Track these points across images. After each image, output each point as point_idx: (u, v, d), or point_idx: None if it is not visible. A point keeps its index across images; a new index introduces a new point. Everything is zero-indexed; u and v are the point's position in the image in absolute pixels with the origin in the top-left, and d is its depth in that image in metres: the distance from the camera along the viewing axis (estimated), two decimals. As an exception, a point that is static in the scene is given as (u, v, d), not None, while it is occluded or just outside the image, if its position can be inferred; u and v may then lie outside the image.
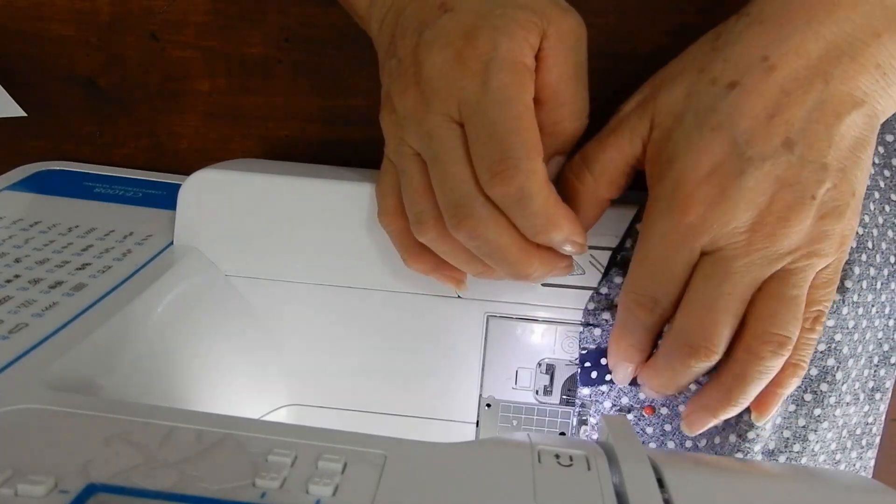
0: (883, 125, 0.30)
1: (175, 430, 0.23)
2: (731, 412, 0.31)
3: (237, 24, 0.42)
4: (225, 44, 0.43)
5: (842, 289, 0.33)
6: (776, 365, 0.29)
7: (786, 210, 0.28)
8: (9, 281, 0.31)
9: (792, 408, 0.34)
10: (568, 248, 0.30)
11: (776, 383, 0.30)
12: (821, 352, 0.33)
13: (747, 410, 0.32)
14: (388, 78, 0.31)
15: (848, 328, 0.33)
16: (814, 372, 0.33)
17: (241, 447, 0.22)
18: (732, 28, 0.30)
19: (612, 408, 0.35)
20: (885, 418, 0.37)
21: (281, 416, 0.40)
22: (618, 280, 0.34)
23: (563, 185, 0.32)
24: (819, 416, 0.34)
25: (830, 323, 0.33)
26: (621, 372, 0.33)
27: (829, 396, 0.34)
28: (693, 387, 0.34)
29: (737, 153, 0.28)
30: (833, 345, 0.33)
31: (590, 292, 0.35)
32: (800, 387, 0.34)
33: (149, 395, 0.31)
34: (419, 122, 0.29)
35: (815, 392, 0.34)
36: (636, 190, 0.36)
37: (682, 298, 0.30)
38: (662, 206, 0.29)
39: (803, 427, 0.34)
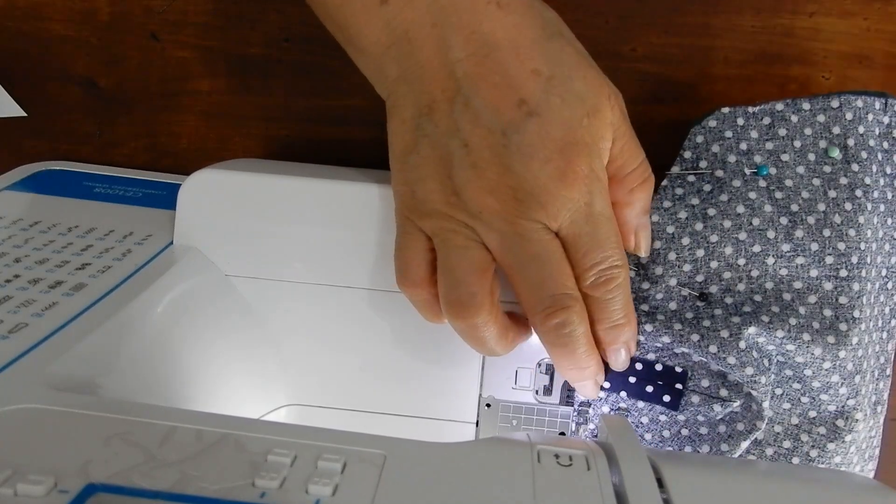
0: None
1: (175, 430, 0.23)
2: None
3: (237, 24, 0.42)
4: (225, 44, 0.43)
5: (843, 306, 0.33)
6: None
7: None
8: (9, 281, 0.31)
9: (795, 420, 0.34)
10: (623, 353, 0.33)
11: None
12: (825, 369, 0.33)
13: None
14: (442, 155, 0.30)
15: (852, 344, 0.33)
16: (825, 398, 0.34)
17: (240, 447, 0.22)
18: None
19: (610, 412, 0.36)
20: (885, 419, 0.37)
21: (281, 416, 0.40)
22: None
23: None
24: (833, 449, 0.34)
25: (832, 340, 0.33)
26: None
27: (845, 434, 0.34)
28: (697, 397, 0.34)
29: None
30: (838, 362, 0.33)
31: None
32: (808, 405, 0.34)
33: (149, 395, 0.31)
34: (508, 223, 0.30)
35: (825, 421, 0.34)
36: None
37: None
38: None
39: (813, 460, 0.34)
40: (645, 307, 0.35)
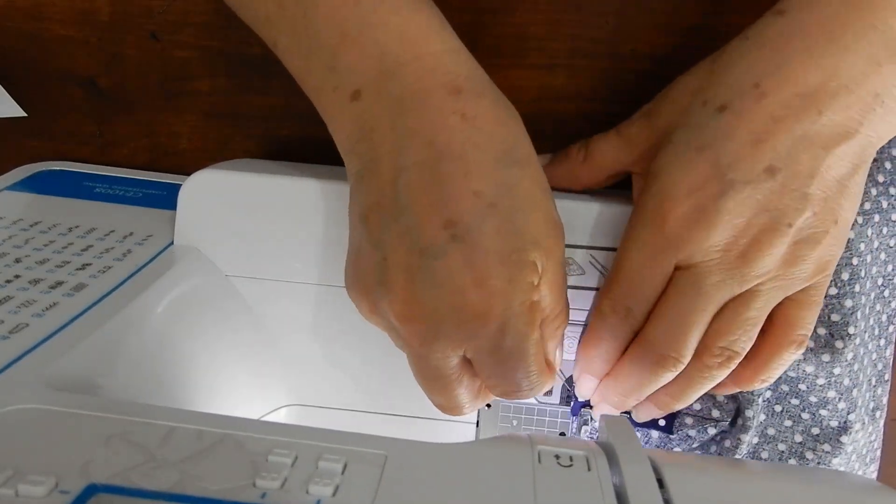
0: (891, 140, 0.30)
1: (175, 430, 0.23)
2: (675, 407, 0.32)
3: (237, 24, 0.42)
4: (225, 44, 0.43)
5: (836, 324, 0.33)
6: (722, 374, 0.30)
7: (760, 234, 0.28)
8: (9, 281, 0.31)
9: (798, 438, 0.34)
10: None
11: (739, 385, 0.32)
12: (820, 385, 0.33)
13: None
14: (370, 263, 0.29)
15: (847, 360, 0.33)
16: (824, 413, 0.34)
17: (241, 447, 0.22)
18: (731, 51, 0.30)
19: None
20: (886, 420, 0.37)
21: (281, 416, 0.40)
22: None
23: (561, 155, 0.35)
24: (828, 450, 0.34)
25: (826, 358, 0.33)
26: (586, 384, 0.34)
27: (840, 434, 0.34)
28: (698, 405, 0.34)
29: (718, 175, 0.28)
30: (833, 378, 0.33)
31: (589, 292, 0.35)
32: (809, 422, 0.34)
33: (149, 395, 0.31)
34: (414, 344, 0.29)
35: (823, 429, 0.34)
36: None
37: (655, 309, 0.30)
38: (643, 218, 0.30)
39: (815, 462, 0.34)
40: None
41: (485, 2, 0.39)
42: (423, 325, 0.28)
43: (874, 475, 0.37)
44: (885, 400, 0.36)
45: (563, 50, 0.40)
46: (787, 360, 0.31)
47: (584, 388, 0.34)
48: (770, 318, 0.30)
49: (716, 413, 0.34)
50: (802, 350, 0.30)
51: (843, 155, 0.28)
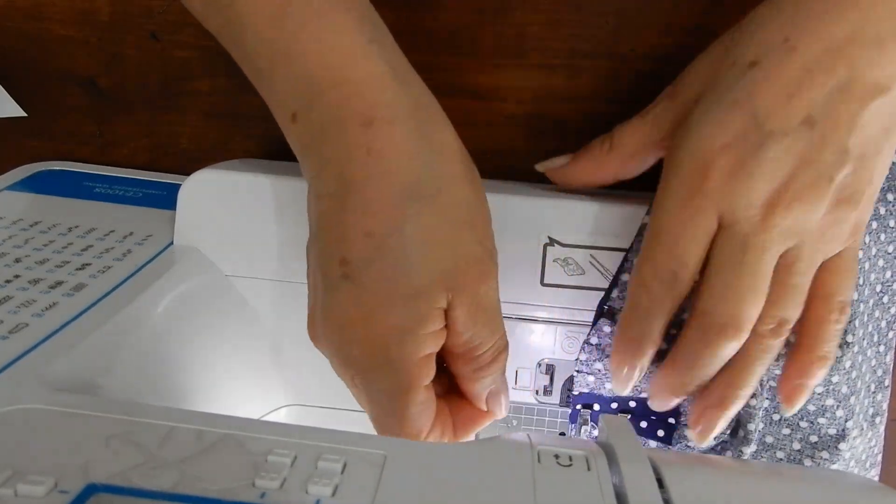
0: None
1: (175, 430, 0.23)
2: (739, 399, 0.31)
3: (237, 24, 0.42)
4: (225, 44, 0.43)
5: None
6: (776, 345, 0.30)
7: (802, 188, 0.27)
8: (9, 281, 0.31)
9: (797, 446, 0.34)
10: None
11: (802, 374, 0.31)
12: (818, 393, 0.33)
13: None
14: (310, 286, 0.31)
15: (845, 368, 0.33)
16: (823, 421, 0.34)
17: (241, 447, 0.22)
18: (755, 13, 0.30)
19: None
20: (885, 425, 0.37)
21: (281, 416, 0.40)
22: (607, 329, 0.34)
23: (582, 151, 0.34)
24: (826, 458, 0.34)
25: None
26: (623, 374, 0.32)
27: (839, 441, 0.34)
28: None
29: (756, 126, 0.28)
30: (831, 387, 0.33)
31: (589, 292, 0.35)
32: (807, 430, 0.34)
33: (149, 395, 0.31)
34: (335, 366, 0.30)
35: (822, 437, 0.34)
36: (633, 190, 0.36)
37: (704, 280, 0.29)
38: (680, 176, 0.29)
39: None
40: None
41: (485, 2, 0.39)
42: (325, 351, 0.30)
43: (875, 479, 0.37)
44: (885, 406, 0.36)
45: (563, 50, 0.40)
46: (834, 331, 0.30)
47: (623, 377, 0.32)
48: (808, 292, 0.30)
49: None
50: (846, 317, 0.30)
51: (877, 111, 0.27)
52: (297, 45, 0.28)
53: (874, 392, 0.36)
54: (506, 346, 0.31)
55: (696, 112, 0.30)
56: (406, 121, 0.28)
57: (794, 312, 0.29)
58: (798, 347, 0.31)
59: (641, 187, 0.38)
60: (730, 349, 0.29)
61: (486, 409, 0.32)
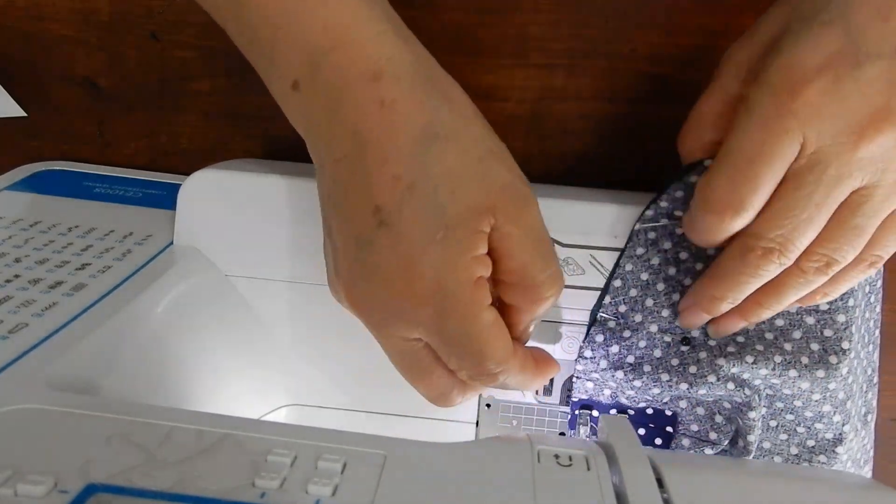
0: None
1: (175, 430, 0.23)
2: (762, 315, 0.31)
3: (237, 24, 0.42)
4: (225, 44, 0.42)
5: (829, 339, 0.33)
6: (817, 281, 0.29)
7: (893, 119, 0.26)
8: (9, 281, 0.31)
9: (794, 450, 0.34)
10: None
11: (779, 296, 0.30)
12: (815, 400, 0.33)
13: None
14: (328, 256, 0.30)
15: (842, 374, 0.33)
16: (820, 426, 0.34)
17: (240, 447, 0.22)
18: None
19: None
20: (882, 419, 0.37)
21: (281, 416, 0.40)
22: (599, 339, 0.35)
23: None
24: (823, 462, 0.34)
25: (821, 374, 0.33)
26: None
27: (836, 445, 0.34)
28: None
29: (852, 46, 0.26)
30: (828, 393, 0.33)
31: (589, 292, 0.35)
32: (804, 435, 0.34)
33: (149, 395, 0.31)
34: (372, 328, 0.29)
35: (819, 441, 0.34)
36: (623, 190, 0.36)
37: (767, 202, 0.28)
38: (766, 92, 0.28)
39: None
40: (630, 359, 0.35)
41: (485, 2, 0.39)
42: (369, 315, 0.28)
43: (868, 475, 0.37)
44: (874, 403, 0.36)
45: (563, 50, 0.40)
46: (855, 279, 0.30)
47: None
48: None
49: (713, 435, 0.34)
50: (874, 271, 0.30)
51: None
52: (300, 11, 0.28)
53: (866, 392, 0.36)
54: (561, 276, 0.30)
55: (785, 38, 0.28)
56: (413, 74, 0.28)
57: (846, 255, 0.28)
58: (793, 270, 0.29)
59: (642, 188, 0.38)
60: (770, 273, 0.29)
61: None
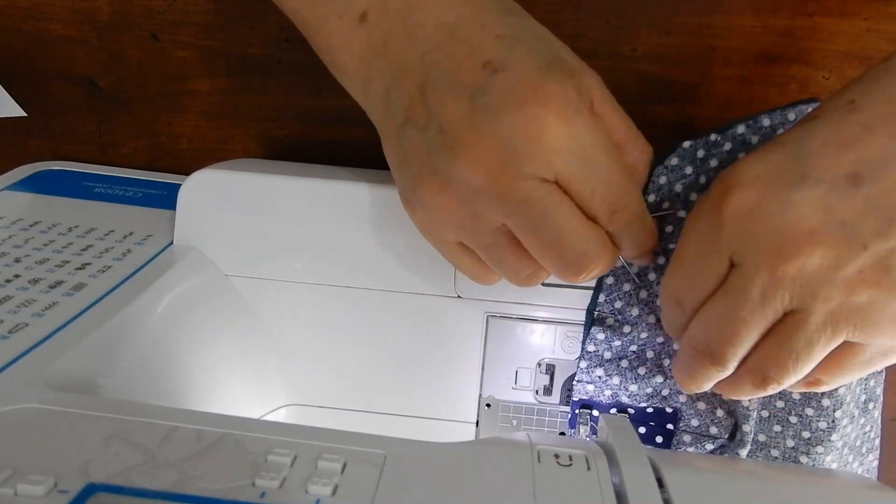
0: None
1: (175, 430, 0.23)
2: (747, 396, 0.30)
3: (237, 24, 0.42)
4: (225, 44, 0.43)
5: None
6: (753, 393, 0.28)
7: (827, 249, 0.25)
8: (9, 281, 0.31)
9: (790, 443, 0.34)
10: (645, 259, 0.32)
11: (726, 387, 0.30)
12: (806, 394, 0.33)
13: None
14: (425, 152, 0.29)
15: None
16: (810, 412, 0.34)
17: (240, 447, 0.22)
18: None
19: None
20: (883, 419, 0.37)
21: (281, 416, 0.40)
22: (600, 336, 0.35)
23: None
24: (821, 451, 0.34)
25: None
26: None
27: (831, 433, 0.34)
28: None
29: (794, 166, 0.26)
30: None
31: (589, 292, 0.35)
32: (798, 426, 0.34)
33: (149, 395, 0.31)
34: (505, 193, 0.28)
35: (814, 431, 0.34)
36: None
37: (703, 305, 0.28)
38: (706, 204, 0.28)
39: (811, 464, 0.34)
40: (633, 348, 0.35)
41: (485, 2, 0.39)
42: (500, 154, 0.27)
43: (874, 464, 0.37)
44: (878, 391, 0.36)
45: (563, 50, 0.40)
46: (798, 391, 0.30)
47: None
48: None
49: (714, 430, 0.34)
50: (817, 388, 0.29)
51: None
52: None
53: (866, 379, 0.36)
54: (647, 145, 0.32)
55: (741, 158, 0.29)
56: None
57: (781, 377, 0.27)
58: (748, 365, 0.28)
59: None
60: (713, 376, 0.29)
61: None
